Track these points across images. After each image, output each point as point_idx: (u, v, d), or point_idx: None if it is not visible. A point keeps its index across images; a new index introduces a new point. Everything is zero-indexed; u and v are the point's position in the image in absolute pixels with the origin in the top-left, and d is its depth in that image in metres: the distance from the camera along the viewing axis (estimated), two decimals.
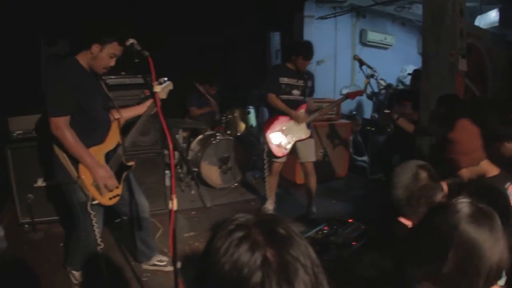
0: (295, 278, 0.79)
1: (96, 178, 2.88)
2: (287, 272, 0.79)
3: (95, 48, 2.83)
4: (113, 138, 3.12)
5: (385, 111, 4.90)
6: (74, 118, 2.82)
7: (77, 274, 3.38)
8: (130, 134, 3.22)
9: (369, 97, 8.73)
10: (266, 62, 8.48)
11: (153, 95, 2.32)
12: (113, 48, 2.88)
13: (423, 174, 1.85)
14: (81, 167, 2.84)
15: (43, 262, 3.72)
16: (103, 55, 2.86)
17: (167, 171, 4.96)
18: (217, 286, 0.83)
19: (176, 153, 4.58)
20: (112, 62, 2.95)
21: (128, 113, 3.28)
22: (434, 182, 1.87)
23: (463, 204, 1.34)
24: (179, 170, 5.99)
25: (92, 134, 2.95)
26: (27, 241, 4.20)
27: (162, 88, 3.32)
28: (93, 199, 2.92)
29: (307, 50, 4.66)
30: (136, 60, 2.60)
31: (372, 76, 4.64)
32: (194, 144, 6.14)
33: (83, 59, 2.88)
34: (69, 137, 2.76)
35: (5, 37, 4.92)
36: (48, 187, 4.36)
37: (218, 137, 5.97)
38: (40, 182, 4.32)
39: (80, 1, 5.53)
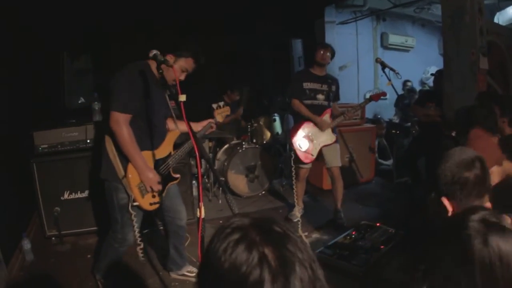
0: (291, 273, 0.81)
1: (143, 179, 2.91)
2: (284, 266, 0.81)
3: (169, 58, 2.87)
4: (166, 148, 3.18)
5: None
6: (134, 120, 2.87)
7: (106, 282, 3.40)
8: (179, 152, 3.24)
9: (395, 104, 8.76)
10: (289, 70, 8.49)
11: (178, 105, 2.34)
12: (186, 63, 2.98)
13: (479, 165, 1.78)
14: (129, 166, 2.88)
15: (71, 273, 3.75)
16: (175, 67, 2.89)
17: (194, 181, 5.01)
18: (217, 286, 0.85)
19: (203, 162, 4.62)
20: (183, 77, 3.01)
21: (184, 127, 3.26)
22: (486, 176, 1.79)
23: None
24: (206, 180, 6.06)
25: (147, 138, 2.99)
26: (54, 254, 4.23)
27: (220, 112, 3.54)
28: (134, 201, 2.95)
29: (321, 42, 4.97)
30: (160, 71, 2.64)
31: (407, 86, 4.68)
32: (220, 154, 6.18)
33: (154, 65, 2.90)
34: (126, 133, 2.79)
35: (29, 51, 4.99)
36: (75, 200, 4.41)
37: (244, 146, 5.99)
38: (67, 195, 4.38)
39: (103, 15, 5.63)
